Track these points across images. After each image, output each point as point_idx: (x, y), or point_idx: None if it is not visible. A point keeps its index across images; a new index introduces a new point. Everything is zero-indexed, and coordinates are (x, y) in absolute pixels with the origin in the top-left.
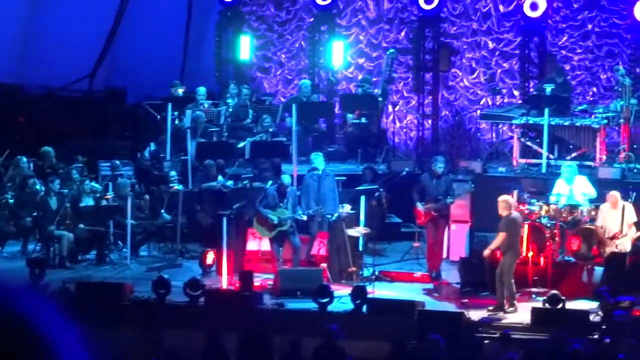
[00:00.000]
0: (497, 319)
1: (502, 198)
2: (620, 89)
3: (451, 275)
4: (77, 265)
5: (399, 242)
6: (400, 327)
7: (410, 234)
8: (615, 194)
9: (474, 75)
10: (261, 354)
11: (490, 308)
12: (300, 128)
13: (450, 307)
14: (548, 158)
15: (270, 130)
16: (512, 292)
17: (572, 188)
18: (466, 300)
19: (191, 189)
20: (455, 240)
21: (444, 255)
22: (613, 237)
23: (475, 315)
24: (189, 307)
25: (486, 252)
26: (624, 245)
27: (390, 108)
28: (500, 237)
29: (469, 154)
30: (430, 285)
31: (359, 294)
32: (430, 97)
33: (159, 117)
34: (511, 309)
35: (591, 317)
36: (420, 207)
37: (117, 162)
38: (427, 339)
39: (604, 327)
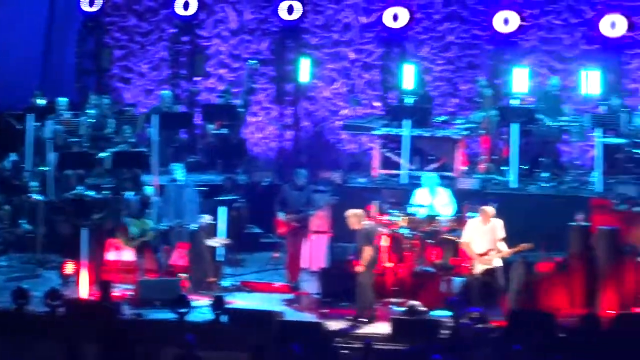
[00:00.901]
0: (357, 329)
1: (351, 213)
2: (480, 100)
3: (311, 286)
4: None
5: (259, 252)
6: (259, 337)
7: (270, 245)
8: (487, 210)
9: (335, 86)
10: None
11: (350, 318)
12: (161, 138)
13: (309, 317)
14: (408, 169)
15: (131, 140)
16: (371, 302)
17: (434, 198)
18: (326, 311)
19: (51, 199)
20: (316, 250)
21: (304, 266)
22: (483, 254)
23: (334, 325)
24: (49, 317)
25: (359, 269)
26: (494, 262)
27: (251, 119)
28: (367, 251)
29: (330, 165)
30: (290, 296)
31: (218, 304)
32: (291, 108)
33: (19, 127)
34: (370, 319)
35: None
36: (281, 217)
37: None
38: (284, 348)
39: (451, 337)
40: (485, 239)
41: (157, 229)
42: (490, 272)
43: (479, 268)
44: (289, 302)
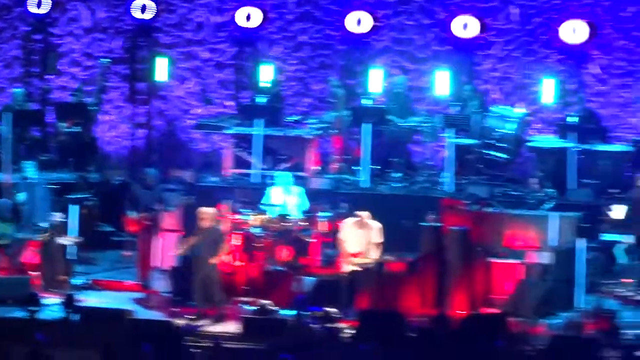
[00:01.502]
0: (207, 327)
1: (203, 211)
2: (333, 100)
3: (161, 284)
4: None
5: (110, 251)
6: (110, 335)
7: (121, 243)
8: (361, 214)
9: (188, 85)
10: None
11: (194, 317)
12: (13, 136)
13: (160, 315)
14: (260, 168)
15: None
16: (220, 301)
17: (288, 197)
18: (176, 309)
19: None
20: (166, 249)
21: (155, 265)
22: (354, 255)
23: (184, 323)
24: None
25: (213, 260)
26: (367, 263)
27: (103, 117)
28: (224, 249)
29: (182, 164)
30: (140, 294)
31: (69, 302)
32: (144, 107)
33: None
34: (218, 318)
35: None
36: (131, 216)
37: None
38: (135, 347)
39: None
40: (358, 240)
41: (14, 237)
42: (354, 273)
43: (347, 268)
44: (140, 301)
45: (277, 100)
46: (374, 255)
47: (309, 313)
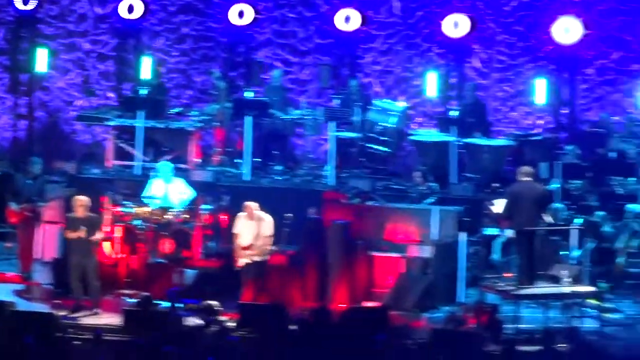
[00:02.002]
0: (89, 319)
1: (78, 200)
2: (215, 93)
3: (43, 276)
4: None
5: None
6: None
7: (3, 235)
8: (250, 205)
9: (70, 76)
10: None
11: (71, 309)
12: None
13: (41, 307)
14: (142, 160)
15: None
16: (97, 292)
17: (169, 188)
18: (58, 301)
19: None
20: (48, 241)
21: (37, 256)
22: (245, 248)
23: (66, 316)
24: None
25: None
26: (256, 256)
27: None
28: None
29: (64, 155)
30: (22, 286)
31: None
32: (26, 98)
33: None
34: (96, 310)
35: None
36: (12, 207)
37: None
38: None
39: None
40: (249, 233)
41: None
42: (247, 266)
43: (241, 261)
44: (21, 293)
45: (160, 92)
46: (266, 247)
47: (182, 305)
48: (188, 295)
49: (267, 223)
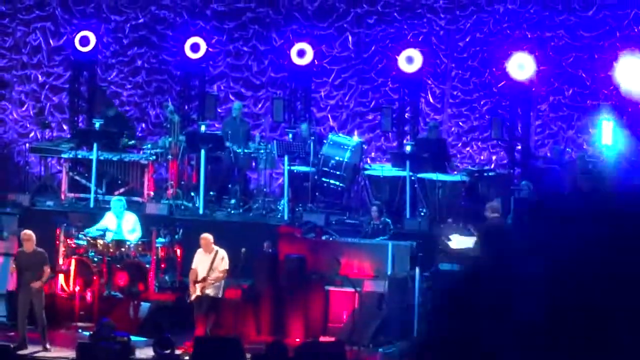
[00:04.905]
0: (43, 354)
1: (29, 232)
2: (169, 126)
3: None
4: None
5: None
6: None
7: None
8: (206, 237)
9: (24, 108)
10: None
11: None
12: None
13: None
14: (96, 193)
15: None
16: (44, 326)
17: (121, 223)
18: (12, 333)
19: None
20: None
21: None
22: (199, 282)
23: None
24: None
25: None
26: (210, 290)
27: None
28: (47, 272)
29: (17, 187)
30: None
31: None
32: None
33: None
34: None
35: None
36: None
37: None
38: None
39: None
40: (204, 268)
41: None
42: (199, 300)
43: (194, 295)
44: None
45: (118, 124)
46: (220, 281)
47: (111, 337)
48: (143, 328)
49: (222, 257)
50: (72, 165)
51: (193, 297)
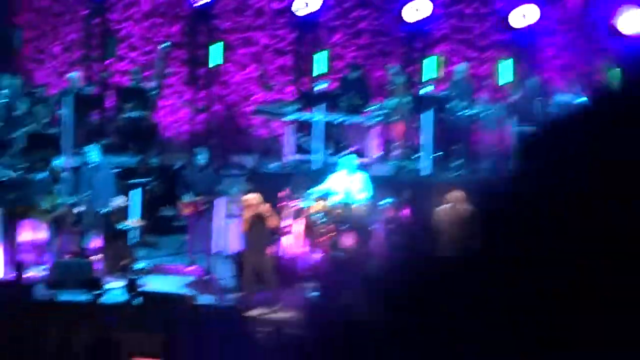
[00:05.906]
0: (270, 314)
1: (251, 197)
2: (393, 87)
3: (222, 270)
4: None
5: (172, 235)
6: (173, 319)
7: (183, 228)
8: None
9: (247, 71)
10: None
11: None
12: (73, 120)
13: (216, 300)
14: (321, 155)
15: (44, 121)
16: (275, 287)
17: (351, 181)
18: (234, 295)
19: None
20: (230, 235)
21: (216, 250)
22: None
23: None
24: None
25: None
26: None
27: (163, 102)
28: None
29: (242, 150)
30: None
31: (131, 286)
32: (203, 92)
33: None
34: (276, 304)
35: None
36: (185, 200)
37: None
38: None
39: None
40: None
41: (66, 203)
42: None
43: None
44: (196, 286)
45: (361, 86)
46: None
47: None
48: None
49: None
50: (296, 128)
51: None
